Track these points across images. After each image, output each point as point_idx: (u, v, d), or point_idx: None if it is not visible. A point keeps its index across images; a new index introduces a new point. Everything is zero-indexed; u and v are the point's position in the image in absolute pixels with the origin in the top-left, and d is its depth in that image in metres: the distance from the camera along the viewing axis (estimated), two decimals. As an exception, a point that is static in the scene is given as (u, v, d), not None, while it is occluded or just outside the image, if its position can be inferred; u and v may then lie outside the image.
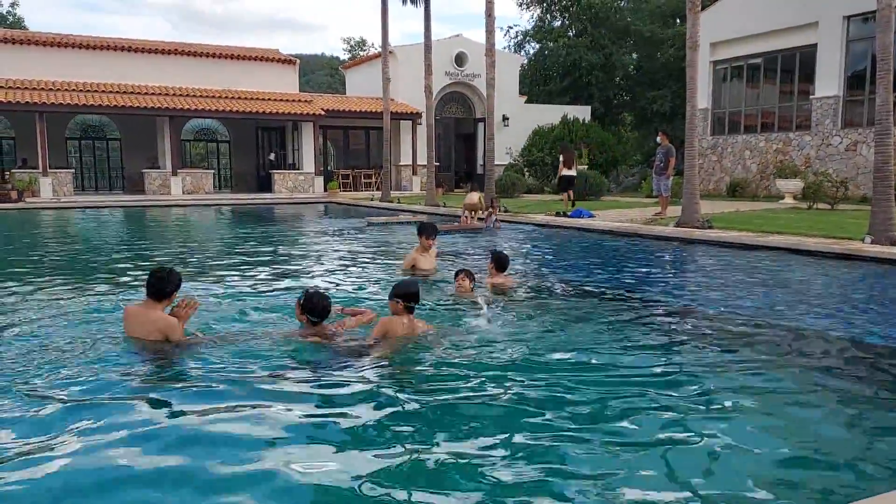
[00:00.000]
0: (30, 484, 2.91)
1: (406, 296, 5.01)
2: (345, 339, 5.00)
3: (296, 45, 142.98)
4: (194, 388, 4.10)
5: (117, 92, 26.22)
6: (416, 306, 5.12)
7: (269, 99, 28.50)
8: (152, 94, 26.65)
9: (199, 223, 18.43)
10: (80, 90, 25.75)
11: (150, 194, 26.29)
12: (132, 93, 26.39)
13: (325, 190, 28.04)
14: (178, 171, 27.02)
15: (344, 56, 63.63)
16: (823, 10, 20.95)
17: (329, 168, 31.49)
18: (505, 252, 7.33)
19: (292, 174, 28.73)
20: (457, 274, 6.84)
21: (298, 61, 32.04)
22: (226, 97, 27.76)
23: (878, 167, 11.05)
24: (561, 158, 18.43)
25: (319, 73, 66.98)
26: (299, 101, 29.04)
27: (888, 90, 10.97)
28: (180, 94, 27.19)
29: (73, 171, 27.17)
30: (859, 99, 20.60)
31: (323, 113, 28.02)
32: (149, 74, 27.65)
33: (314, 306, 4.88)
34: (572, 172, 18.35)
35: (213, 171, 30.49)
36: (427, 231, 7.90)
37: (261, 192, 29.02)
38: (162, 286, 4.77)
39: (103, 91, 26.11)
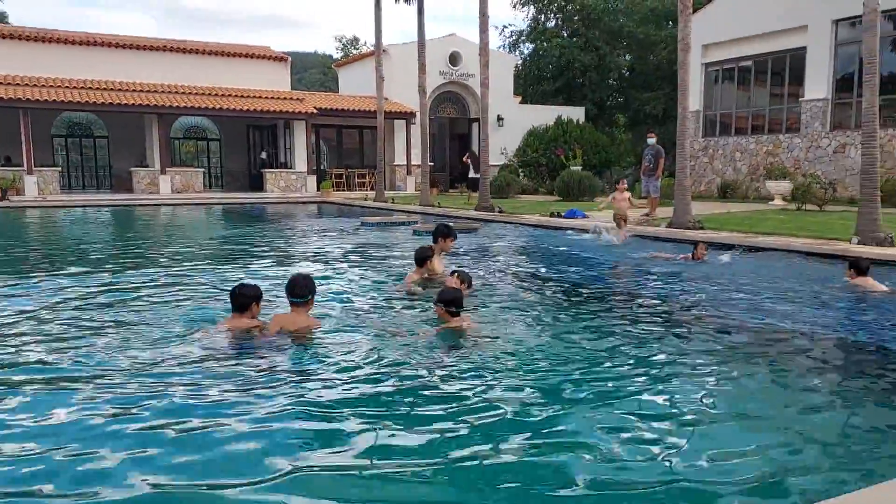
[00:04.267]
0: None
1: (448, 301, 5.34)
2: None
3: (287, 42, 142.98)
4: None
5: (105, 89, 26.07)
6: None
7: (260, 97, 28.43)
8: (140, 91, 26.54)
9: (189, 222, 18.39)
10: (67, 87, 25.50)
11: (138, 193, 26.17)
12: (120, 90, 26.27)
13: (318, 189, 28.01)
14: (167, 169, 26.93)
15: (337, 54, 63.51)
16: (812, 14, 21.10)
17: (322, 167, 31.47)
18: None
19: (284, 173, 28.69)
20: (452, 273, 6.92)
21: (290, 59, 31.97)
22: (216, 95, 27.67)
23: (865, 169, 11.17)
24: (469, 162, 22.30)
25: (312, 70, 66.87)
26: (291, 99, 28.99)
27: (874, 93, 11.08)
28: (169, 92, 27.09)
29: (60, 169, 26.99)
30: (847, 102, 20.75)
31: (315, 111, 27.98)
32: (137, 71, 27.52)
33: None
34: (477, 175, 22.00)
35: (203, 169, 30.36)
36: (451, 234, 7.87)
37: (252, 191, 28.96)
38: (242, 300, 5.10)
39: (90, 88, 25.91)
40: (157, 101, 25.74)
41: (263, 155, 30.90)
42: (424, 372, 4.44)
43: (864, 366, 4.99)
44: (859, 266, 7.24)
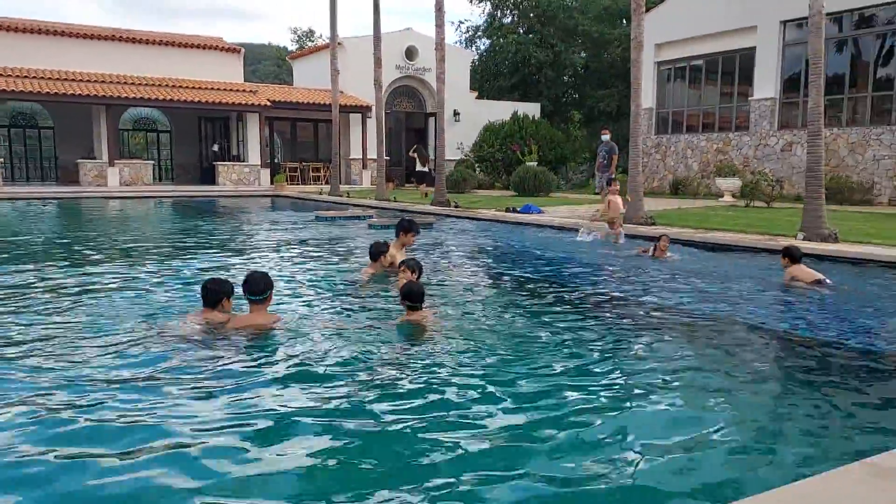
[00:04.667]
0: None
1: (404, 295, 5.36)
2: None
3: (241, 33, 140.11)
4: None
5: (50, 78, 25.22)
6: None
7: (211, 88, 27.85)
8: (88, 81, 25.75)
9: (137, 216, 17.91)
10: (10, 75, 24.60)
11: (85, 186, 25.39)
12: (66, 79, 25.44)
13: (272, 183, 27.60)
14: (116, 161, 26.20)
15: (292, 46, 62.64)
16: (761, 15, 21.60)
17: (276, 161, 31.01)
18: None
19: (237, 166, 28.19)
20: (399, 265, 6.84)
21: (243, 50, 31.40)
22: (166, 86, 27.01)
23: (810, 167, 11.46)
24: (416, 157, 23.84)
25: (266, 62, 65.83)
26: (244, 91, 28.48)
27: (819, 93, 11.37)
28: (118, 82, 26.33)
29: (2, 160, 26.05)
30: (794, 101, 21.32)
31: (269, 104, 27.55)
32: (85, 61, 26.68)
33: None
34: (424, 169, 24.50)
35: (152, 162, 29.69)
36: (412, 228, 7.78)
37: (204, 184, 28.38)
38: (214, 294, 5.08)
39: (35, 77, 25.05)
40: (105, 92, 24.98)
41: (215, 147, 30.30)
42: (378, 367, 4.39)
43: (790, 354, 5.14)
44: (792, 254, 7.44)
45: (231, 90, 28.12)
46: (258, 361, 4.46)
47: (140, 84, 26.60)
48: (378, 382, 4.13)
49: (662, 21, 24.22)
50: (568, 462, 3.11)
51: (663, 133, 25.58)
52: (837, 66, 20.32)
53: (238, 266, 8.57)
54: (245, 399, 3.79)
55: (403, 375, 4.26)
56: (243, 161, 28.49)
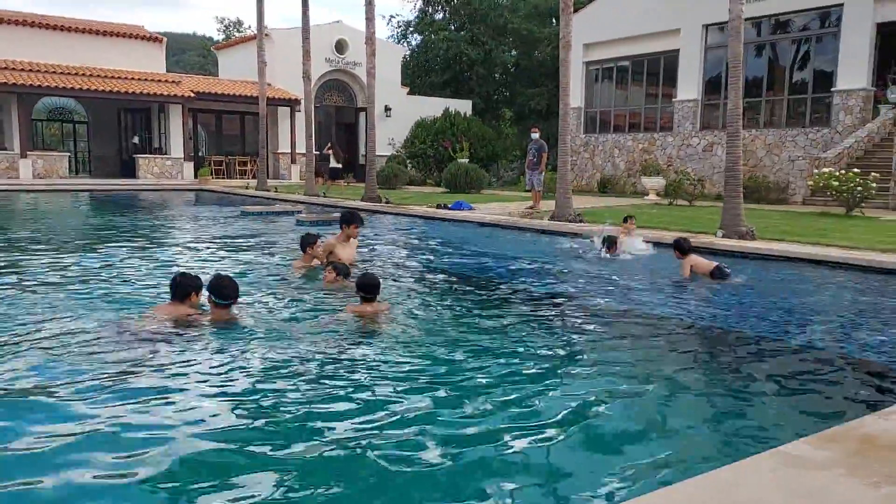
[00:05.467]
0: None
1: (361, 287, 5.40)
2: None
3: (164, 22, 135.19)
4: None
5: (-44, 64, 23.73)
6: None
7: (132, 78, 26.74)
8: (-2, 67, 24.35)
9: (52, 210, 17.02)
10: (-89, 59, 23.06)
11: (-5, 177, 24.04)
12: (-26, 65, 23.98)
13: (196, 177, 26.73)
14: (28, 153, 24.86)
15: (218, 36, 61.03)
16: (685, 18, 22.25)
17: (200, 154, 30.09)
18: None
19: (159, 159, 27.20)
20: (326, 265, 6.85)
21: (166, 39, 30.30)
22: (83, 74, 25.76)
23: (729, 167, 11.83)
24: (330, 153, 24.68)
25: (190, 53, 63.88)
26: (166, 81, 27.46)
27: (738, 95, 11.75)
28: (30, 70, 24.96)
29: None
30: (715, 103, 22.05)
31: (192, 95, 26.67)
32: (-6, 46, 25.22)
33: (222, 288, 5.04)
34: (338, 165, 25.16)
35: (68, 153, 28.43)
36: (355, 220, 7.59)
37: (124, 177, 27.25)
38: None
39: (-61, 62, 23.55)
40: (16, 80, 23.63)
41: (135, 139, 29.15)
42: (316, 363, 4.37)
43: (695, 344, 5.29)
44: (681, 247, 7.65)
45: (152, 80, 27.07)
46: (223, 359, 4.39)
47: (55, 72, 25.27)
48: (312, 376, 4.11)
49: (591, 21, 24.65)
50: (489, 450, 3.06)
51: (592, 132, 26.06)
52: (756, 69, 21.13)
53: (161, 263, 8.24)
54: (206, 397, 3.76)
55: (355, 370, 4.25)
56: (165, 154, 27.50)
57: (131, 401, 3.62)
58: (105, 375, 3.98)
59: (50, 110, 30.05)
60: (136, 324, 5.01)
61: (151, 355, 4.38)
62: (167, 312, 5.09)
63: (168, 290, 5.24)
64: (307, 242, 7.46)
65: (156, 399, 3.68)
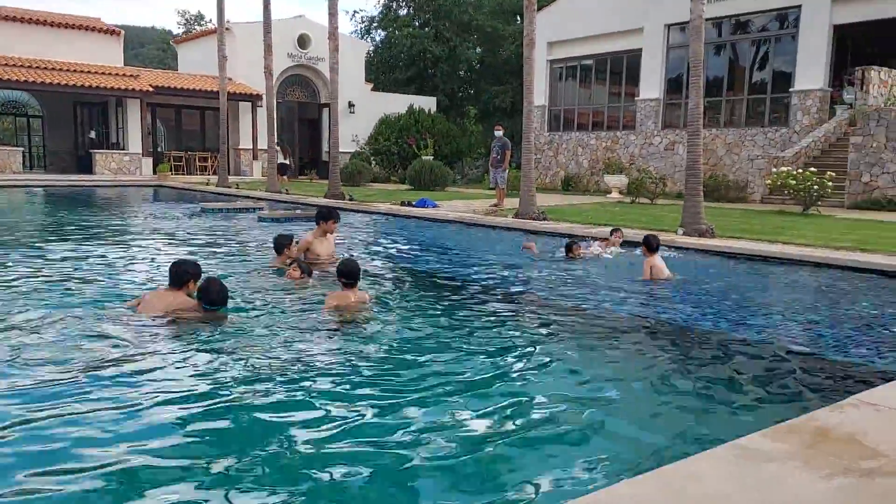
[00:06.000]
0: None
1: (342, 273, 5.51)
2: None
3: (122, 14, 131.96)
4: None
5: None
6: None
7: (88, 72, 26.06)
8: (-53, 58, 23.53)
9: (3, 207, 16.51)
10: None
11: (-56, 172, 23.25)
12: (-79, 56, 23.13)
13: (155, 173, 26.22)
14: (-20, 147, 24.12)
15: (178, 30, 59.90)
16: (647, 18, 22.49)
17: (159, 149, 29.50)
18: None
19: (117, 154, 26.60)
20: (290, 263, 6.87)
21: (123, 32, 29.63)
22: (37, 67, 25.06)
23: (690, 165, 11.98)
24: (283, 150, 25.01)
25: (149, 46, 62.73)
26: (124, 75, 26.84)
27: (699, 95, 11.90)
28: (-18, 61, 24.21)
29: None
30: (677, 102, 22.35)
31: (151, 89, 26.13)
32: (-58, 36, 24.37)
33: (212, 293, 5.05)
34: (286, 161, 25.42)
35: (22, 148, 27.62)
36: (332, 216, 7.57)
37: (81, 173, 26.56)
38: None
39: None
40: (-37, 70, 22.90)
41: (92, 134, 28.44)
42: (299, 362, 4.33)
43: (653, 341, 5.31)
44: (649, 243, 7.72)
45: (110, 74, 26.42)
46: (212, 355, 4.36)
47: (8, 65, 24.49)
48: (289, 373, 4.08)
49: (554, 20, 24.78)
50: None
51: (556, 130, 26.21)
52: (717, 69, 21.47)
53: (118, 260, 8.02)
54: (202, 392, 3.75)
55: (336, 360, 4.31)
56: (123, 149, 26.90)
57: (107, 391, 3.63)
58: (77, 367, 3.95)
59: (2, 104, 29.16)
60: (125, 310, 5.06)
61: (132, 349, 4.37)
62: (163, 300, 5.08)
63: (130, 285, 5.24)
64: (282, 243, 7.31)
65: (130, 392, 3.67)
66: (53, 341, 4.48)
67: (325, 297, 5.64)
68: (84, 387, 3.69)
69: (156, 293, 5.30)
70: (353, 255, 8.22)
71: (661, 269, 7.64)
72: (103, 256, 8.42)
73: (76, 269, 7.41)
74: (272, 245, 7.47)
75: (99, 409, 3.39)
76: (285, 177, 24.74)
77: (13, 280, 6.60)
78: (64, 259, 8.02)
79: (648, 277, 7.55)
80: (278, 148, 24.77)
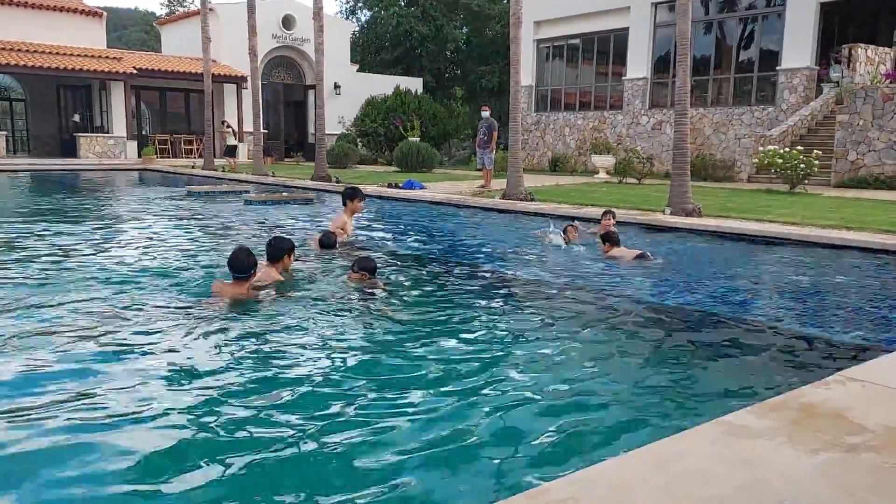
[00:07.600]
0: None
1: (366, 269, 5.69)
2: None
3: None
4: None
5: None
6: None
7: (71, 54, 25.70)
8: (-75, 41, 23.11)
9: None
10: None
11: (-76, 157, 22.92)
12: None
13: (140, 156, 25.98)
14: (-39, 131, 23.77)
15: (161, 11, 59.03)
16: (635, -3, 22.36)
17: (144, 132, 29.20)
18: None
19: (101, 138, 26.32)
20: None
21: (106, 14, 29.19)
22: (19, 50, 24.66)
23: (677, 145, 11.97)
24: (232, 131, 24.68)
25: (133, 28, 61.85)
26: (107, 57, 26.49)
27: (686, 74, 11.87)
28: (-39, 44, 23.80)
29: None
30: (664, 82, 22.31)
31: (135, 72, 25.80)
32: (-80, 19, 23.91)
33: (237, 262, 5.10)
34: (235, 142, 24.63)
35: (5, 132, 27.37)
36: (357, 194, 8.08)
37: (65, 156, 26.30)
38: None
39: None
40: (-58, 53, 22.51)
41: (76, 118, 28.11)
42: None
43: (630, 319, 5.33)
44: (611, 239, 7.72)
45: (93, 56, 26.07)
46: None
47: (-14, 47, 24.16)
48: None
49: (541, -1, 24.59)
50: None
51: (543, 111, 26.12)
52: (704, 48, 21.42)
53: (108, 244, 7.95)
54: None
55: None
56: (108, 132, 26.61)
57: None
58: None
59: (-16, 87, 28.79)
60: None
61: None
62: (268, 275, 5.36)
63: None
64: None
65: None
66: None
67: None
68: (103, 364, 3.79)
69: (264, 271, 5.42)
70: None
71: (627, 255, 7.55)
72: (86, 241, 8.35)
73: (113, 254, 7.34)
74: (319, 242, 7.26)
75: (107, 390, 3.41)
76: (232, 160, 23.23)
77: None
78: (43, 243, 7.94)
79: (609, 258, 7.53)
80: (228, 129, 24.58)
